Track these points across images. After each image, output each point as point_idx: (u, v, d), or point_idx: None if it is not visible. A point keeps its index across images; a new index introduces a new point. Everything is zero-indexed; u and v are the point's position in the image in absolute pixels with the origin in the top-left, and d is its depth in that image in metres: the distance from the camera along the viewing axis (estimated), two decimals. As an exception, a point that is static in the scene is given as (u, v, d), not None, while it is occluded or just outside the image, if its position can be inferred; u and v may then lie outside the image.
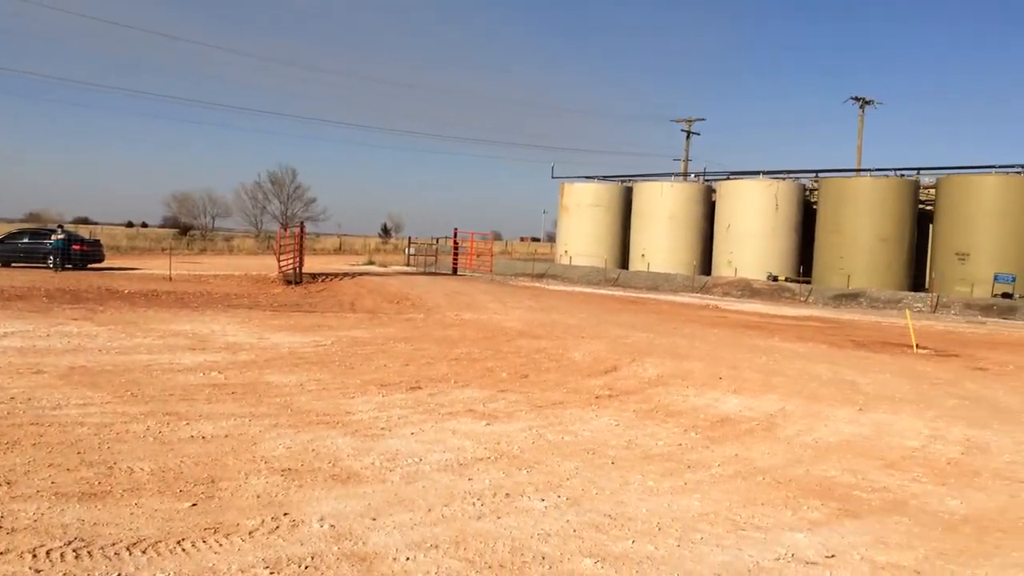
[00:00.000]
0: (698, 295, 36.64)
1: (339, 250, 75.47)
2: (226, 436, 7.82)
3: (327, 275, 33.41)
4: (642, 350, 15.48)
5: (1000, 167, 35.29)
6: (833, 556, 5.41)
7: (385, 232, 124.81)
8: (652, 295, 35.43)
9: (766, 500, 6.59)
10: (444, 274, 42.35)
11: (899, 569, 5.25)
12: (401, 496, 6.22)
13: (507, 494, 6.39)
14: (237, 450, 7.35)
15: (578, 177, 51.11)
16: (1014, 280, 32.94)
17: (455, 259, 45.07)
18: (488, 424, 8.83)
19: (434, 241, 51.38)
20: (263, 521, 5.58)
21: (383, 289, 28.93)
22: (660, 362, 14.02)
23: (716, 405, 10.63)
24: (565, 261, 48.29)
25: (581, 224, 48.17)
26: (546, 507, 6.13)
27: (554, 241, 56.69)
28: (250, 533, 5.36)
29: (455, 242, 46.27)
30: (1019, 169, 35.25)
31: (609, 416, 9.59)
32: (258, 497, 6.09)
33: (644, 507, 6.24)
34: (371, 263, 48.71)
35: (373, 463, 7.10)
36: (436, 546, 5.24)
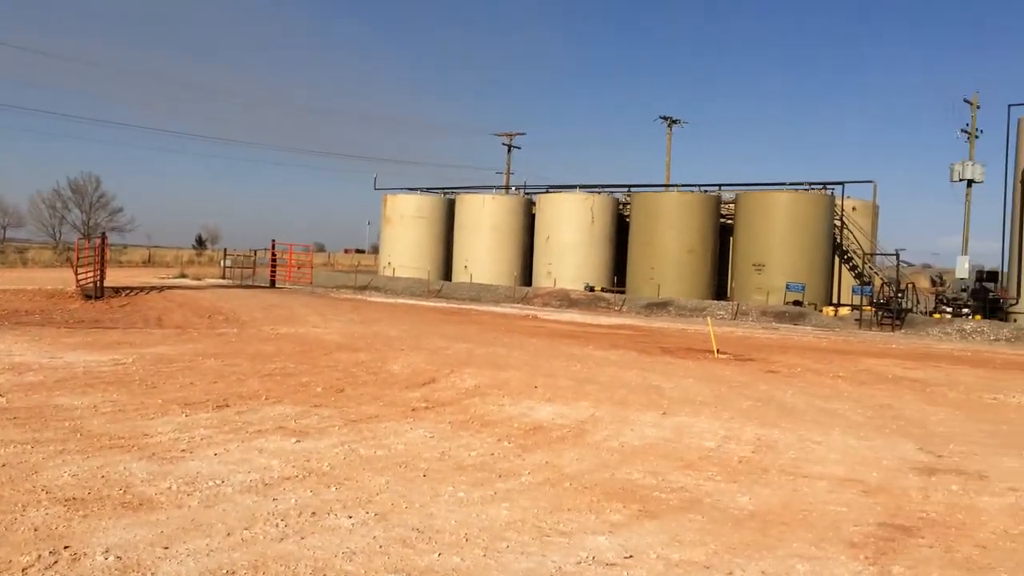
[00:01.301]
0: (519, 306, 37.36)
1: (148, 262, 71.31)
2: (2, 465, 7.15)
3: (132, 289, 31.47)
4: (461, 361, 15.57)
5: (792, 184, 38.27)
6: (631, 556, 5.61)
7: (200, 244, 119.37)
8: (474, 306, 35.79)
9: (572, 506, 6.77)
10: (262, 287, 40.94)
11: (691, 565, 5.53)
12: (198, 521, 5.91)
13: (313, 513, 6.22)
14: (15, 480, 6.74)
15: (401, 189, 51.04)
16: (803, 289, 35.75)
17: (273, 271, 43.71)
18: (298, 441, 8.57)
19: (252, 253, 49.60)
20: (39, 556, 5.13)
21: (194, 303, 27.57)
22: (478, 372, 14.15)
23: (530, 414, 10.83)
24: (388, 273, 47.95)
25: (404, 236, 48.03)
26: (353, 524, 6.01)
27: (378, 253, 56.15)
28: (24, 570, 4.92)
29: (273, 254, 44.87)
30: (808, 187, 38.36)
31: (425, 428, 9.56)
32: (36, 530, 5.60)
33: (453, 519, 6.24)
34: (183, 276, 46.34)
35: (170, 487, 6.71)
36: (232, 572, 5.00)
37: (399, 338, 19.35)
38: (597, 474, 7.90)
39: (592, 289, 40.69)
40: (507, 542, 5.78)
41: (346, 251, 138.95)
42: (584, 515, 6.53)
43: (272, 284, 42.76)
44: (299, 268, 46.77)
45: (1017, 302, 33.23)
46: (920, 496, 7.65)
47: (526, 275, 44.70)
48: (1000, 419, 12.19)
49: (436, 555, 5.46)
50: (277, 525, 5.90)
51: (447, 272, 47.46)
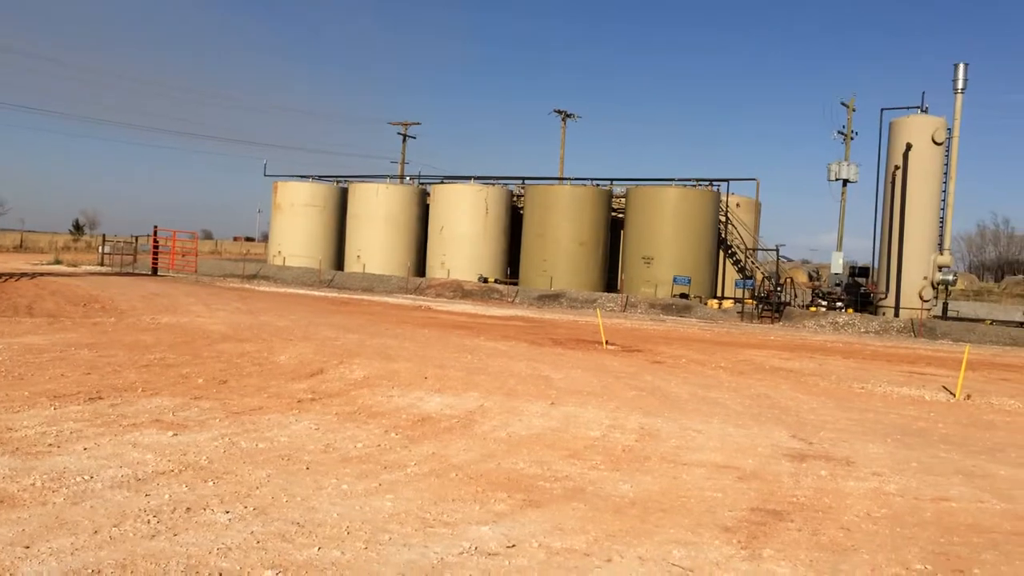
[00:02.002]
0: (412, 296, 37.13)
1: (20, 248, 67.54)
2: None
3: (1, 275, 29.73)
4: (351, 352, 15.36)
5: (680, 180, 39.29)
6: (514, 546, 5.66)
7: (77, 229, 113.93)
8: (367, 296, 35.37)
9: (457, 496, 6.77)
10: (143, 275, 39.37)
11: (571, 553, 5.61)
12: (64, 519, 5.63)
13: (188, 508, 6.01)
14: None
15: (293, 176, 49.89)
16: (689, 282, 36.79)
17: (155, 259, 42.09)
18: (176, 434, 8.27)
19: (133, 240, 47.60)
20: None
21: (69, 291, 26.27)
22: (368, 363, 13.99)
23: (419, 404, 10.78)
24: (279, 262, 46.85)
25: (296, 224, 47.00)
26: (230, 519, 5.84)
27: (268, 241, 54.77)
28: None
29: (155, 240, 43.19)
30: (695, 183, 39.47)
31: (310, 420, 9.38)
32: None
33: (335, 511, 6.15)
34: (58, 262, 44.08)
35: (34, 484, 6.37)
36: (98, 571, 4.78)
37: (287, 328, 18.93)
38: (483, 464, 7.92)
39: (486, 280, 40.82)
40: (390, 534, 5.73)
41: (235, 239, 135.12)
42: (469, 505, 6.54)
43: (154, 272, 41.17)
44: (183, 256, 45.17)
45: (886, 296, 35.12)
46: (791, 481, 7.98)
47: (420, 266, 44.46)
48: (867, 407, 12.85)
49: (316, 549, 5.36)
50: (149, 522, 5.67)
51: (339, 262, 46.72)
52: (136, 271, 41.48)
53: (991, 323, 33.96)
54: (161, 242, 43.66)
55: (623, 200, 41.22)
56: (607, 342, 19.61)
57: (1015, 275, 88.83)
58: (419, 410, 10.41)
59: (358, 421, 9.52)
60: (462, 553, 5.45)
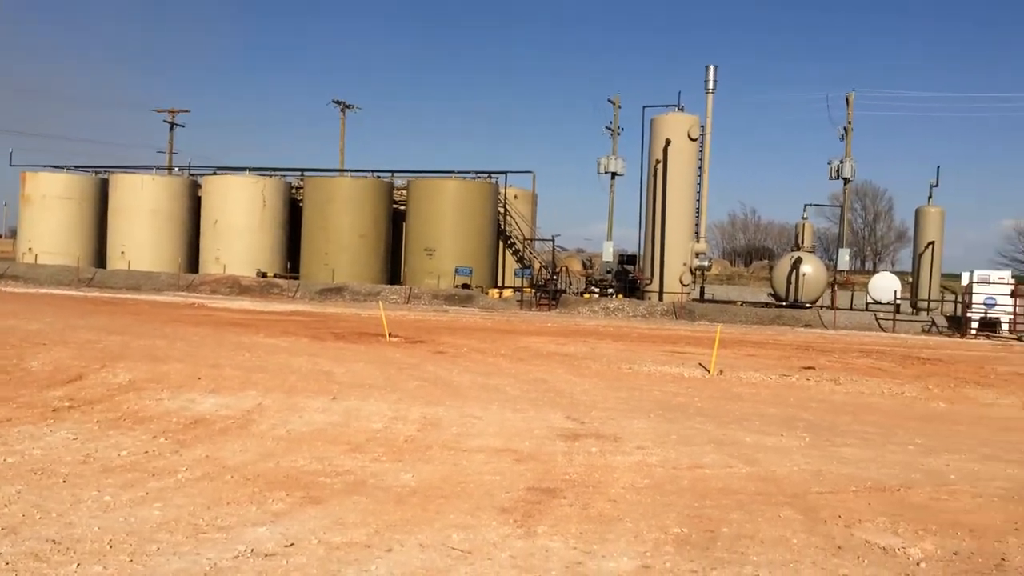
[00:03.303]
0: (184, 294, 35.26)
1: None
2: None
3: None
4: (114, 354, 14.36)
5: (460, 172, 39.94)
6: (292, 544, 5.58)
7: None
8: (132, 295, 33.16)
9: (232, 499, 6.56)
10: None
11: (352, 546, 5.61)
12: None
13: (-79, 536, 5.42)
14: None
15: (45, 166, 45.72)
16: (471, 272, 37.55)
17: None
18: (-96, 455, 7.40)
19: None
20: None
21: None
22: (134, 366, 13.15)
23: (191, 407, 10.30)
24: (29, 259, 42.84)
25: (49, 218, 43.09)
26: (-27, 543, 5.33)
27: (16, 237, 49.84)
28: None
29: None
30: (475, 175, 40.28)
31: (67, 430, 8.71)
32: None
33: (96, 525, 5.77)
34: None
35: None
36: None
37: (40, 332, 17.38)
38: (261, 464, 7.72)
39: (265, 275, 39.49)
40: (158, 544, 5.47)
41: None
42: (245, 507, 6.36)
43: None
44: (-88, 254, 40.15)
45: (651, 282, 37.57)
46: (565, 460, 8.41)
47: (192, 261, 42.18)
48: (633, 386, 13.75)
49: (75, 566, 5.02)
50: None
51: (101, 259, 43.35)
52: None
53: (742, 304, 37.33)
54: None
55: (405, 192, 41.28)
56: (390, 334, 19.62)
57: (762, 260, 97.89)
58: (192, 412, 9.95)
59: (122, 428, 8.96)
60: (237, 557, 5.30)
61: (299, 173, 43.78)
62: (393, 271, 41.10)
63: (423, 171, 41.51)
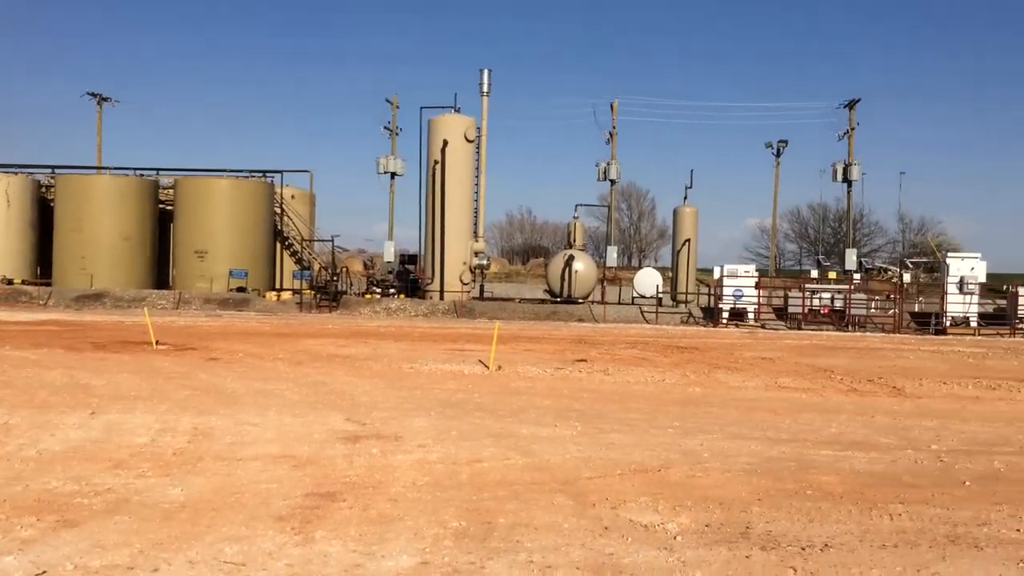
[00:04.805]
0: (-89, 304, 31.35)
1: None
2: None
3: None
4: None
5: (233, 171, 38.38)
6: (44, 572, 5.15)
7: None
8: None
9: (-28, 529, 5.95)
10: None
11: (113, 569, 5.27)
12: None
13: None
14: None
15: None
16: (247, 275, 36.20)
17: None
18: None
19: None
20: None
21: None
22: None
23: (-80, 431, 9.20)
24: None
25: None
26: None
27: None
28: None
29: None
30: (249, 174, 38.86)
31: None
32: None
33: None
34: None
35: None
36: None
37: None
38: (7, 489, 7.05)
39: (11, 282, 35.93)
40: None
41: None
42: (-13, 537, 5.79)
43: None
44: None
45: (432, 281, 37.95)
46: (345, 463, 8.34)
47: (-80, 268, 37.58)
48: (415, 385, 13.85)
49: None
50: None
51: None
52: None
53: (520, 301, 38.57)
54: None
55: (172, 192, 39.02)
56: (157, 342, 18.51)
57: (538, 258, 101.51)
58: (-79, 437, 8.89)
59: None
60: (-22, 592, 4.83)
61: (50, 171, 40.23)
62: (161, 275, 38.76)
63: (192, 169, 39.54)
